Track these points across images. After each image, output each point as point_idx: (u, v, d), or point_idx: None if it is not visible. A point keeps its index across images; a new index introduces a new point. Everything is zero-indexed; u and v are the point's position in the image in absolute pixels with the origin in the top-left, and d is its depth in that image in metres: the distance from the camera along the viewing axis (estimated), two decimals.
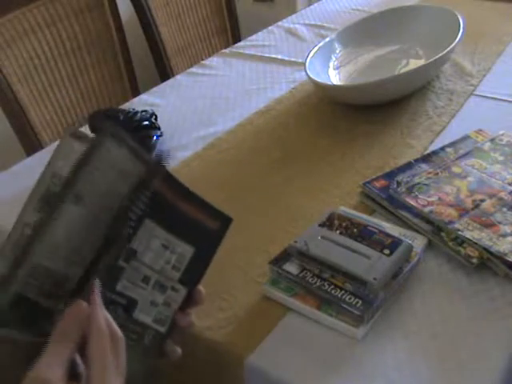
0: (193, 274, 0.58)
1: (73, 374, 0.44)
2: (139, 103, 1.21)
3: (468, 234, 0.74)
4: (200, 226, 0.57)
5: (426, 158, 0.91)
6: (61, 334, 0.45)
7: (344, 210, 0.81)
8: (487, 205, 0.79)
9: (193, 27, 1.85)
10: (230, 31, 1.95)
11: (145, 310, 0.54)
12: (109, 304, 0.51)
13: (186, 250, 0.56)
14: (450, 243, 0.74)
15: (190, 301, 0.58)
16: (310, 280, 0.69)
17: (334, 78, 1.22)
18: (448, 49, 1.08)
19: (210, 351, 0.67)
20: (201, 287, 0.59)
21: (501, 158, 0.89)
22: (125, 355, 0.48)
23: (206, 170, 0.98)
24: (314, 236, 0.72)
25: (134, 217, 0.51)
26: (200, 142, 1.06)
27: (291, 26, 1.56)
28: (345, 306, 0.66)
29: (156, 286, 0.55)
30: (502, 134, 0.95)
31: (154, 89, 1.29)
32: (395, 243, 0.70)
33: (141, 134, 1.02)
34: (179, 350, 0.58)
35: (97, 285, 0.48)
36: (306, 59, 1.15)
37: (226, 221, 0.59)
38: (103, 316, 0.47)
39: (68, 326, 0.45)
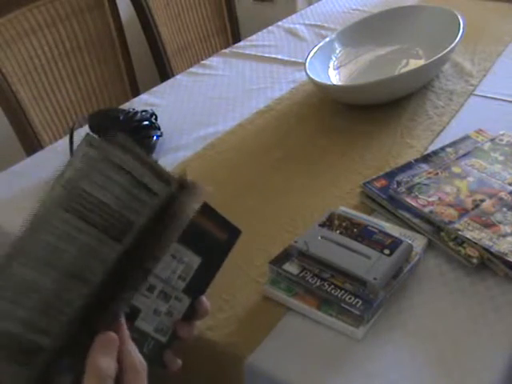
0: (197, 285, 0.56)
1: None
2: (139, 103, 1.21)
3: (468, 234, 0.74)
4: (208, 235, 0.56)
5: (426, 158, 0.91)
6: (98, 369, 0.43)
7: (344, 209, 0.81)
8: (487, 205, 0.79)
9: (193, 27, 1.85)
10: (230, 31, 1.95)
11: (147, 319, 0.53)
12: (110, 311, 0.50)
13: (193, 260, 0.55)
14: (450, 243, 0.74)
15: (194, 312, 0.57)
16: (310, 280, 0.69)
17: (334, 78, 1.22)
18: (448, 49, 1.08)
19: (211, 351, 0.67)
20: (205, 299, 0.57)
21: (501, 158, 0.89)
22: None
23: (206, 170, 0.98)
24: (314, 236, 0.72)
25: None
26: (200, 142, 1.06)
27: (291, 25, 1.56)
28: (345, 306, 0.66)
29: (160, 295, 0.54)
30: (502, 134, 0.95)
31: (154, 89, 1.29)
32: (395, 243, 0.70)
33: (141, 133, 1.02)
34: (179, 361, 0.56)
35: (123, 316, 0.47)
36: (306, 59, 1.15)
37: (234, 232, 0.57)
38: (133, 349, 0.46)
39: (104, 360, 0.43)
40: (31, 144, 1.38)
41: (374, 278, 0.65)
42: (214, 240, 0.56)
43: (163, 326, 0.55)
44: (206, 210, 0.55)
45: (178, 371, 0.56)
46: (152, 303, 0.53)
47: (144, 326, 0.53)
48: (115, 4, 1.55)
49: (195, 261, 0.55)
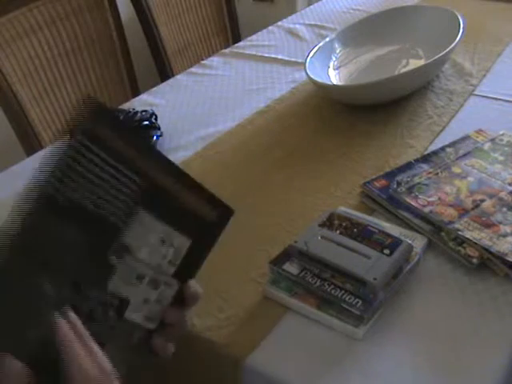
0: (187, 268, 0.53)
1: None
2: (139, 103, 1.21)
3: (468, 234, 0.74)
4: (198, 215, 0.53)
5: (426, 158, 0.91)
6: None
7: (344, 210, 0.81)
8: (487, 205, 0.79)
9: (193, 27, 1.85)
10: (230, 31, 1.95)
11: (136, 309, 0.51)
12: (100, 306, 0.48)
13: (183, 243, 0.52)
14: (450, 243, 0.74)
15: (184, 299, 0.54)
16: (310, 280, 0.69)
17: (334, 78, 1.22)
18: (448, 49, 1.08)
19: (210, 351, 0.67)
20: (194, 283, 0.55)
21: (501, 158, 0.89)
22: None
23: (206, 170, 0.98)
24: (314, 236, 0.72)
25: (123, 206, 0.47)
26: (200, 142, 1.06)
27: (291, 25, 1.56)
28: (345, 305, 0.66)
29: (150, 283, 0.51)
30: (502, 134, 0.95)
31: (154, 89, 1.29)
32: (395, 243, 0.70)
33: (141, 134, 1.02)
34: (171, 347, 0.54)
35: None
36: (306, 59, 1.15)
37: (226, 212, 0.54)
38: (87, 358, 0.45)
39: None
40: (31, 144, 1.38)
41: (374, 278, 0.65)
42: (203, 220, 0.53)
43: (152, 314, 0.52)
44: (195, 188, 0.52)
45: (169, 357, 0.54)
46: (142, 292, 0.51)
47: (133, 317, 0.51)
48: (115, 4, 1.55)
49: (185, 243, 0.52)
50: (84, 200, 0.46)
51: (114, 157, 0.47)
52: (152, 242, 0.50)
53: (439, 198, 0.81)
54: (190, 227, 0.53)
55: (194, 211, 0.53)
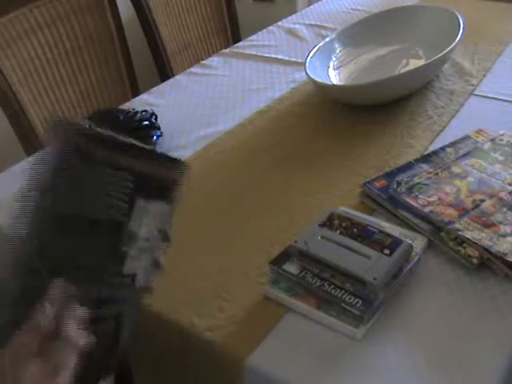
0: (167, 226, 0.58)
1: None
2: (139, 103, 1.21)
3: (468, 234, 0.74)
4: (163, 179, 0.57)
5: (426, 158, 0.91)
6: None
7: (344, 209, 0.81)
8: (487, 205, 0.79)
9: (193, 27, 1.85)
10: (230, 31, 1.95)
11: (142, 278, 0.56)
12: (117, 289, 0.53)
13: (166, 209, 0.57)
14: (450, 243, 0.74)
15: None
16: (310, 280, 0.69)
17: (334, 78, 1.22)
18: (448, 49, 1.08)
19: (210, 351, 0.67)
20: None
21: (501, 158, 0.89)
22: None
23: (206, 170, 0.98)
24: (314, 236, 0.72)
25: (120, 203, 0.53)
26: (200, 142, 1.06)
27: (291, 25, 1.56)
28: (345, 305, 0.66)
29: (149, 253, 0.56)
30: (502, 134, 0.95)
31: (154, 89, 1.29)
32: (395, 243, 0.70)
33: (141, 133, 1.02)
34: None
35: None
36: (306, 59, 1.15)
37: (180, 164, 0.58)
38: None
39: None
40: (31, 144, 1.38)
41: (374, 278, 0.65)
42: (169, 181, 0.57)
43: (150, 276, 0.57)
44: (150, 156, 0.57)
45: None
46: (142, 264, 0.55)
47: (140, 283, 0.56)
48: (115, 4, 1.55)
49: (167, 209, 0.56)
50: (83, 209, 0.52)
51: (98, 163, 0.53)
52: (148, 222, 0.55)
53: (439, 198, 0.81)
54: (164, 193, 0.57)
55: (161, 177, 0.57)
